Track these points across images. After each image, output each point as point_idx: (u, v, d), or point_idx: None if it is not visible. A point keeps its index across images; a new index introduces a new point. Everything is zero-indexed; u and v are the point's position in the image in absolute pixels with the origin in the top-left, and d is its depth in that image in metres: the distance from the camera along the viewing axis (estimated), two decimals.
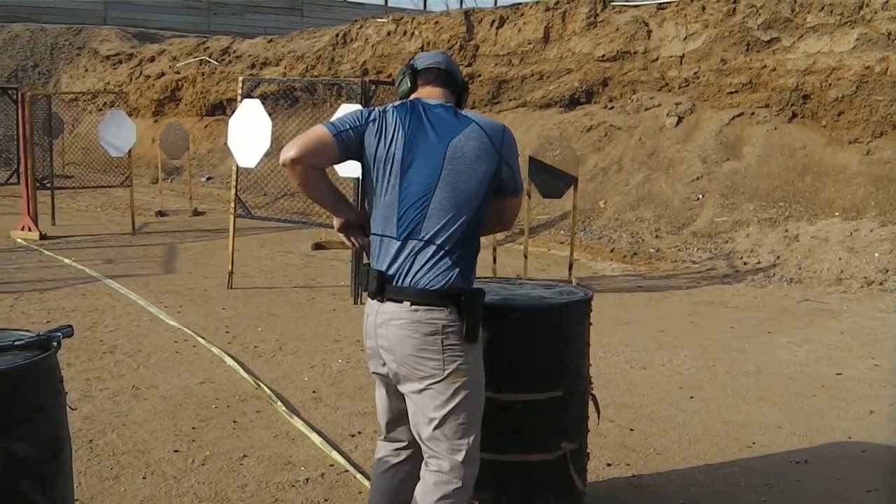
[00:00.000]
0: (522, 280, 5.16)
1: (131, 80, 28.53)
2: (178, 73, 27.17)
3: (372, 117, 3.73)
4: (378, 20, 23.16)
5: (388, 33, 22.19)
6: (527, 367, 4.29)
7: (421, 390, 3.69)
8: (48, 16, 33.88)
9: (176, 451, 5.76)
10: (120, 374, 7.39)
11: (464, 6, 41.18)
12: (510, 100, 19.41)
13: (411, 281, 3.64)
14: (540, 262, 12.93)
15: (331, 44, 23.65)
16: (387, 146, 3.67)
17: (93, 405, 6.56)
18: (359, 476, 5.36)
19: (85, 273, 11.88)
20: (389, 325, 3.68)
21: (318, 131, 3.69)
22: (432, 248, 3.64)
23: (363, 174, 3.81)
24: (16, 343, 3.39)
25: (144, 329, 8.86)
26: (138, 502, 5.05)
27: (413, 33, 21.63)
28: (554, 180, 11.29)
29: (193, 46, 27.99)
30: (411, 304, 3.63)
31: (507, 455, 4.32)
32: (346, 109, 9.98)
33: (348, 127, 3.70)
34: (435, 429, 3.70)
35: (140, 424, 6.22)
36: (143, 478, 5.38)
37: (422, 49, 21.06)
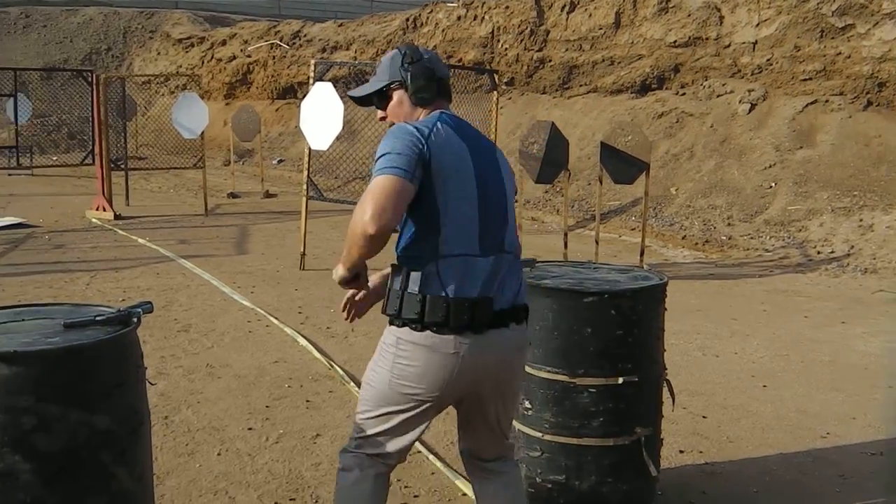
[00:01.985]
0: (597, 264, 5.12)
1: (203, 63, 28.77)
2: (249, 56, 27.37)
3: (430, 135, 3.27)
4: (448, 4, 23.13)
5: (459, 18, 22.16)
6: (602, 352, 4.27)
7: (505, 403, 3.55)
8: (121, 0, 34.31)
9: (250, 428, 5.82)
10: (194, 352, 7.49)
11: None
12: (581, 85, 19.31)
13: (513, 299, 3.41)
14: (611, 248, 12.86)
15: (401, 28, 23.67)
16: (456, 160, 3.30)
17: (168, 382, 6.65)
18: (431, 457, 5.37)
19: (159, 253, 12.04)
20: (515, 355, 3.46)
21: (392, 185, 3.15)
22: (516, 261, 3.49)
23: (421, 194, 3.23)
24: (97, 318, 3.44)
25: (218, 309, 8.97)
26: (213, 478, 5.11)
27: (483, 18, 21.57)
28: (625, 166, 11.23)
29: (264, 30, 28.16)
30: (520, 324, 3.44)
31: (582, 439, 4.32)
32: (318, 88, 10.51)
33: (415, 161, 3.19)
34: (510, 436, 3.71)
35: (214, 402, 6.29)
36: (218, 454, 5.44)
37: (492, 35, 21.02)
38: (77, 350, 3.12)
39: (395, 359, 3.34)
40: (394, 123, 3.50)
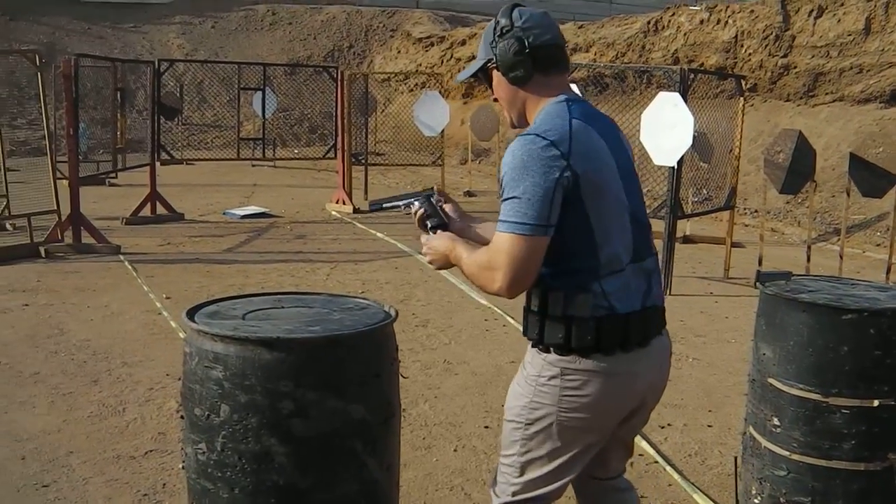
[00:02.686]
0: (855, 280, 4.92)
1: (442, 62, 29.18)
2: None
3: (570, 150, 2.81)
4: (691, 8, 22.74)
5: (701, 21, 21.76)
6: (858, 372, 4.09)
7: (649, 411, 3.23)
8: None
9: (486, 426, 5.85)
10: (432, 347, 7.61)
11: None
12: (826, 93, 18.67)
13: (661, 302, 3.13)
14: (854, 263, 12.39)
15: (642, 31, 23.42)
16: (604, 168, 2.91)
17: (404, 374, 6.76)
18: (668, 468, 5.29)
19: (397, 247, 12.30)
20: (668, 361, 3.19)
21: (525, 248, 2.81)
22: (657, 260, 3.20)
23: (570, 213, 2.85)
24: (356, 308, 3.53)
25: (455, 305, 9.08)
26: (449, 473, 5.17)
27: (727, 22, 21.11)
28: (875, 179, 10.77)
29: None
30: (665, 326, 3.16)
31: (831, 461, 4.16)
32: (664, 98, 9.84)
33: (550, 202, 2.78)
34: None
35: (451, 398, 6.36)
36: (454, 450, 5.50)
37: (735, 40, 20.56)
38: (337, 339, 3.20)
39: (561, 391, 2.94)
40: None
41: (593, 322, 2.86)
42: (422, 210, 3.31)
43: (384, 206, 3.46)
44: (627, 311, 2.91)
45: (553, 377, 2.95)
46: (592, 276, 2.89)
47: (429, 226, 3.28)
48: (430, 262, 3.20)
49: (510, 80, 3.02)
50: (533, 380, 3.00)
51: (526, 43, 2.93)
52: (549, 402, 2.96)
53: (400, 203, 3.40)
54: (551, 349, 2.95)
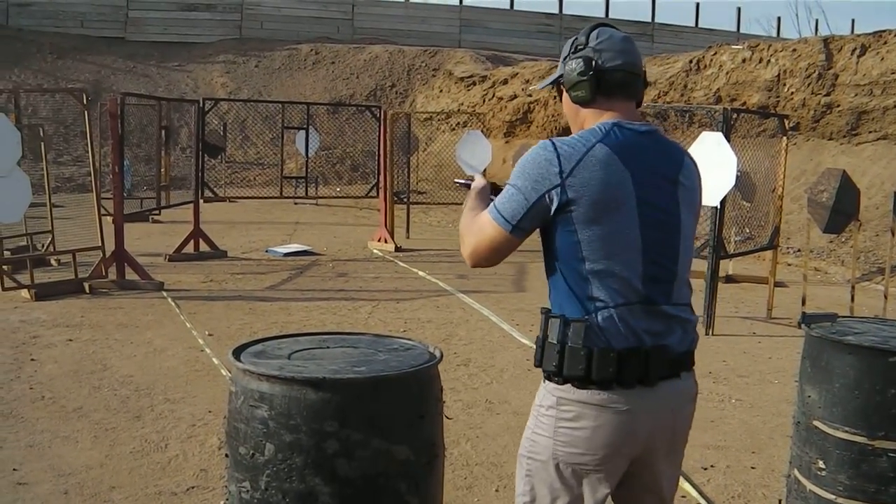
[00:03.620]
0: None
1: (484, 101, 29.27)
2: (529, 95, 27.67)
3: (575, 167, 2.80)
4: (733, 47, 22.72)
5: (743, 60, 21.72)
6: None
7: (676, 462, 3.12)
8: (406, 38, 35.47)
9: None
10: (473, 386, 7.60)
11: (819, 33, 39.93)
12: (870, 132, 18.56)
13: (685, 345, 3.02)
14: None
15: (683, 70, 23.41)
16: (609, 195, 2.83)
17: (448, 414, 6.75)
18: None
19: (438, 286, 12.31)
20: (688, 406, 3.09)
21: (494, 238, 2.96)
22: (687, 305, 3.07)
23: (564, 234, 2.88)
24: (401, 349, 3.54)
25: (497, 345, 9.07)
26: None
27: (769, 60, 21.07)
28: None
29: (546, 70, 28.42)
30: (689, 371, 3.05)
31: None
32: (707, 138, 9.82)
33: (530, 213, 2.86)
34: None
35: (493, 437, 6.35)
36: (496, 490, 5.48)
37: (778, 79, 20.51)
38: (383, 380, 3.22)
39: (556, 423, 2.89)
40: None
41: (585, 352, 2.80)
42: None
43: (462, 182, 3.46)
44: (626, 348, 2.81)
45: (550, 407, 2.90)
46: (587, 307, 2.84)
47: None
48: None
49: (572, 99, 3.00)
50: (536, 409, 2.98)
51: (593, 64, 2.91)
52: (547, 433, 2.90)
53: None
54: (551, 377, 2.90)
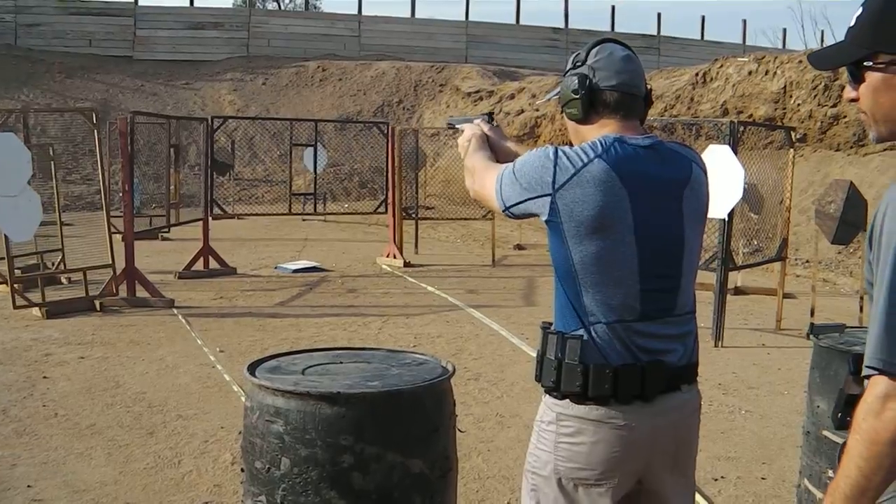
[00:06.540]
0: None
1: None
2: (536, 110, 27.72)
3: (570, 179, 2.79)
4: (739, 59, 22.76)
5: (750, 73, 21.75)
6: None
7: (686, 476, 3.07)
8: (413, 54, 35.51)
9: None
10: (484, 400, 7.63)
11: (825, 44, 39.90)
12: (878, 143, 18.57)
13: (685, 359, 2.98)
14: None
15: (690, 83, 23.45)
16: (603, 211, 2.80)
17: (460, 427, 6.79)
18: None
19: (448, 301, 12.33)
20: (690, 419, 3.05)
21: (491, 188, 2.99)
22: (690, 319, 3.04)
23: (560, 249, 2.88)
24: (414, 364, 3.58)
25: (507, 359, 9.09)
26: None
27: (776, 73, 21.11)
28: None
29: (552, 84, 28.43)
30: (692, 384, 3.02)
31: None
32: (714, 151, 9.85)
33: (522, 206, 2.89)
34: None
35: (504, 451, 6.37)
36: (508, 503, 5.50)
37: (784, 90, 20.55)
38: (397, 394, 3.26)
39: (557, 438, 2.87)
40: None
41: (582, 368, 2.77)
42: (479, 119, 3.42)
43: (455, 125, 3.55)
44: (622, 364, 2.79)
45: (550, 422, 2.89)
46: (584, 321, 2.82)
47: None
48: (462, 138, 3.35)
49: (565, 115, 2.98)
50: (537, 424, 2.97)
51: (587, 82, 2.87)
52: (548, 448, 2.89)
53: (469, 120, 3.48)
54: (550, 392, 2.89)
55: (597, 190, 2.73)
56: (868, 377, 2.03)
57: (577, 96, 2.88)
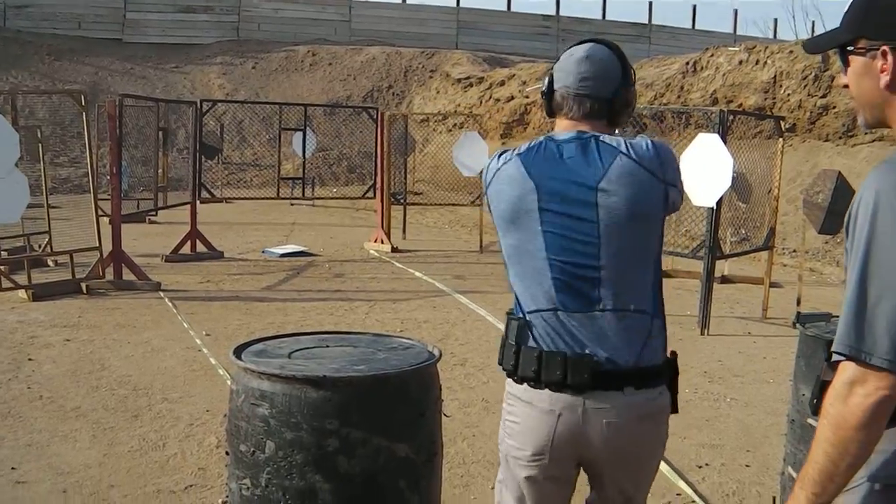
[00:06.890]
0: None
1: (481, 102, 29.29)
2: (526, 97, 27.70)
3: (496, 174, 3.03)
4: (730, 49, 22.79)
5: (740, 62, 21.78)
6: None
7: (626, 477, 3.07)
8: (403, 40, 35.49)
9: None
10: (470, 386, 7.63)
11: (816, 34, 39.97)
12: (866, 133, 18.60)
13: (631, 360, 2.94)
14: None
15: (680, 72, 23.46)
16: (510, 205, 2.98)
17: (445, 412, 6.79)
18: None
19: (435, 287, 12.34)
20: (633, 424, 2.96)
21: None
22: (634, 319, 2.98)
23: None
24: (401, 348, 3.58)
25: (493, 345, 9.05)
26: None
27: (766, 62, 21.13)
28: None
29: (542, 72, 28.43)
30: (642, 389, 2.95)
31: None
32: (703, 140, 9.85)
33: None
34: None
35: (489, 436, 6.36)
36: (492, 488, 5.46)
37: (774, 80, 20.56)
38: (384, 379, 3.26)
39: (504, 414, 3.04)
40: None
41: (515, 348, 2.92)
42: None
43: None
44: (550, 350, 2.85)
45: (503, 401, 3.05)
46: (521, 306, 2.96)
47: None
48: None
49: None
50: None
51: (546, 82, 3.04)
52: (501, 426, 3.06)
53: None
54: (504, 371, 3.03)
55: (507, 185, 2.94)
56: (837, 363, 2.05)
57: (547, 94, 3.05)
